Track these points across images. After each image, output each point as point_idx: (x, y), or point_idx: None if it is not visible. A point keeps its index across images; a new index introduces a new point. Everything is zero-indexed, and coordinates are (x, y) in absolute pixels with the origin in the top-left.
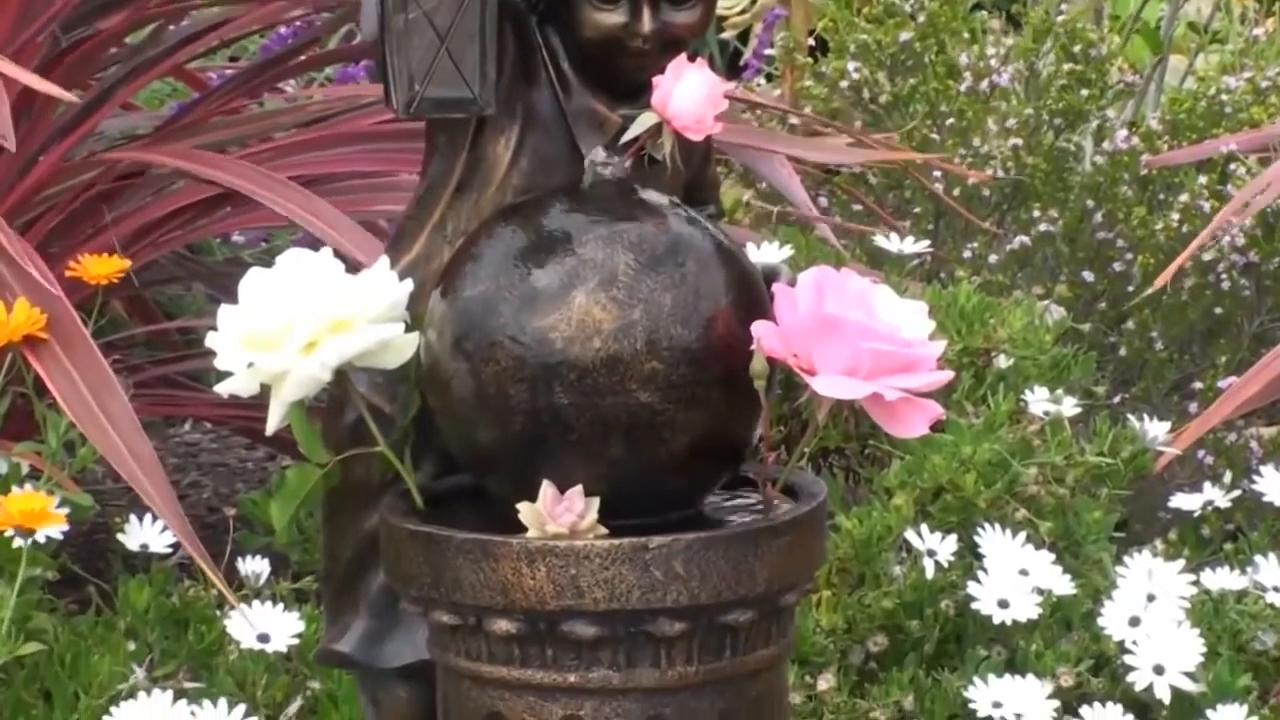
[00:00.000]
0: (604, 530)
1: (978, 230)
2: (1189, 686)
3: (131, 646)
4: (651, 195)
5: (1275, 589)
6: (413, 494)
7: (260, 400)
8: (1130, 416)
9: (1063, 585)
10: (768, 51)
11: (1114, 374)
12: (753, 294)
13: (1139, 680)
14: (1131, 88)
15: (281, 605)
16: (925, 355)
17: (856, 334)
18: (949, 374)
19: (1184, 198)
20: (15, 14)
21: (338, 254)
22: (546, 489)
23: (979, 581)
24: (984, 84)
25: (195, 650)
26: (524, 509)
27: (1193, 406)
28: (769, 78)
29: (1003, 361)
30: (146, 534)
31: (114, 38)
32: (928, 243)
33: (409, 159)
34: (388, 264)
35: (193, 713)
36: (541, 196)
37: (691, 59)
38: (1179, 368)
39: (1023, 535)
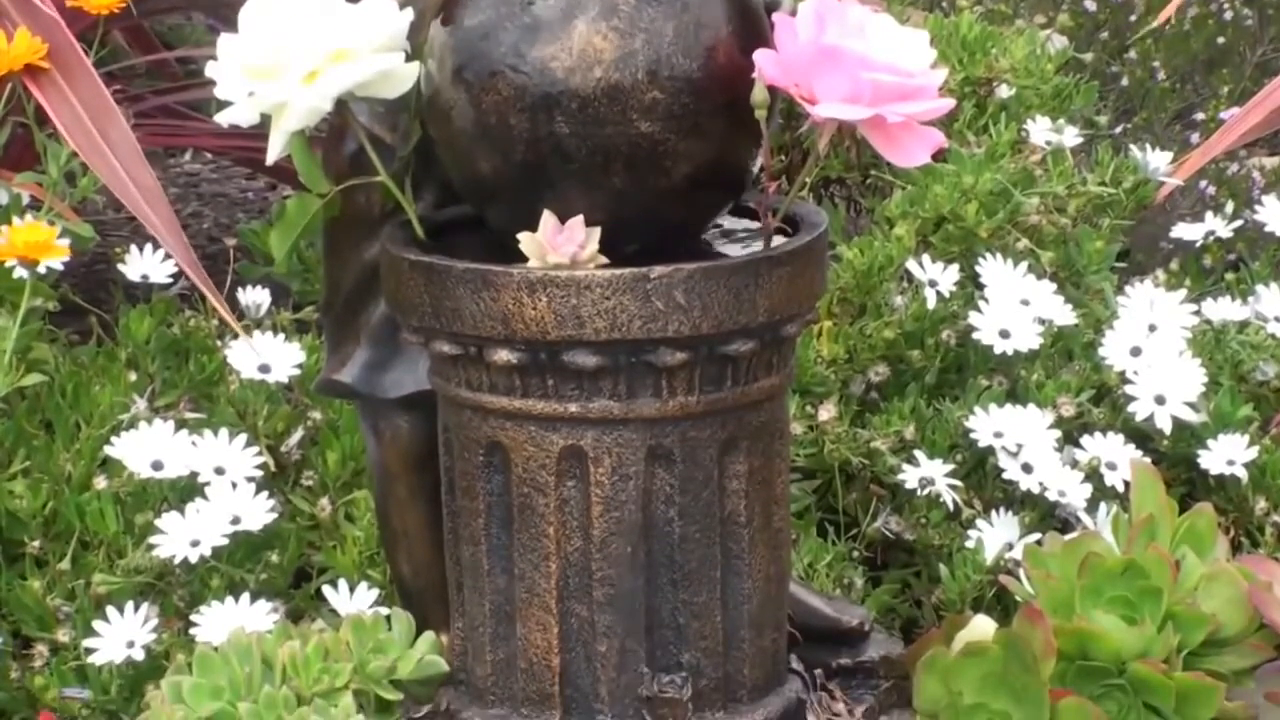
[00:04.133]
0: (605, 260)
1: None
2: (1190, 416)
3: (132, 377)
4: None
5: (1276, 319)
6: (413, 224)
7: (261, 130)
8: (1132, 146)
9: (1064, 315)
10: None
11: (1116, 104)
12: (754, 24)
13: (1140, 410)
14: None
15: (282, 335)
16: (926, 84)
17: (857, 64)
18: (950, 102)
19: None
20: None
21: None
22: (547, 219)
23: (980, 311)
24: None
25: (196, 381)
26: (525, 239)
27: (1194, 136)
28: None
29: (1004, 91)
30: (147, 264)
31: None
32: None
33: None
34: None
35: (194, 443)
36: None
37: None
38: (1181, 98)
39: (1024, 265)
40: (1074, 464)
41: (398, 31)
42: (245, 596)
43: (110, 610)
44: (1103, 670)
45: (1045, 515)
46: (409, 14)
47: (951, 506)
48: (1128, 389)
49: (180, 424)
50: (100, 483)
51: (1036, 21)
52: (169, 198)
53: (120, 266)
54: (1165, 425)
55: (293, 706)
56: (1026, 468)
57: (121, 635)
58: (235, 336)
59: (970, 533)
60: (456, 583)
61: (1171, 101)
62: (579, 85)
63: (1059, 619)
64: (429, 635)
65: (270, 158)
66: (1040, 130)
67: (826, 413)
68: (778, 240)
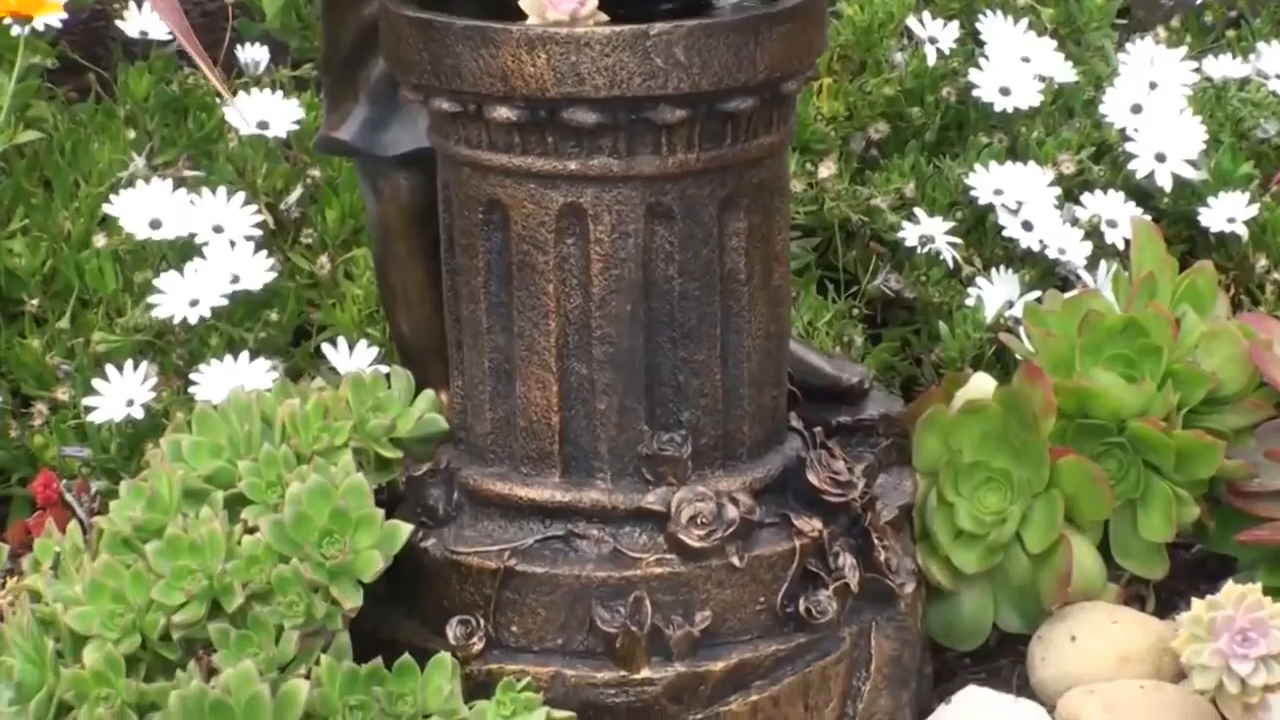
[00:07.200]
0: (605, 18)
1: None
2: (1190, 174)
3: (131, 134)
4: None
5: (1277, 76)
6: None
7: None
8: None
9: (1064, 72)
10: None
11: None
12: None
13: (1140, 168)
14: None
15: (281, 93)
16: None
17: None
18: None
19: None
20: None
21: None
22: None
23: (980, 69)
24: None
25: (195, 138)
26: None
27: None
28: None
29: None
30: (146, 20)
31: None
32: None
33: None
34: None
35: (192, 201)
36: None
37: None
38: None
39: (1025, 22)
40: (1074, 221)
41: None
42: (244, 355)
43: (109, 369)
44: (1102, 428)
45: (1045, 273)
46: None
47: (951, 264)
48: (1128, 146)
49: (179, 182)
50: (99, 241)
51: None
52: None
53: (119, 23)
54: (1166, 183)
55: (292, 464)
56: (1027, 225)
57: (121, 394)
58: (234, 94)
59: (970, 290)
60: (456, 341)
61: None
62: None
63: (1059, 377)
64: (428, 393)
65: None
66: None
67: (826, 170)
68: None
